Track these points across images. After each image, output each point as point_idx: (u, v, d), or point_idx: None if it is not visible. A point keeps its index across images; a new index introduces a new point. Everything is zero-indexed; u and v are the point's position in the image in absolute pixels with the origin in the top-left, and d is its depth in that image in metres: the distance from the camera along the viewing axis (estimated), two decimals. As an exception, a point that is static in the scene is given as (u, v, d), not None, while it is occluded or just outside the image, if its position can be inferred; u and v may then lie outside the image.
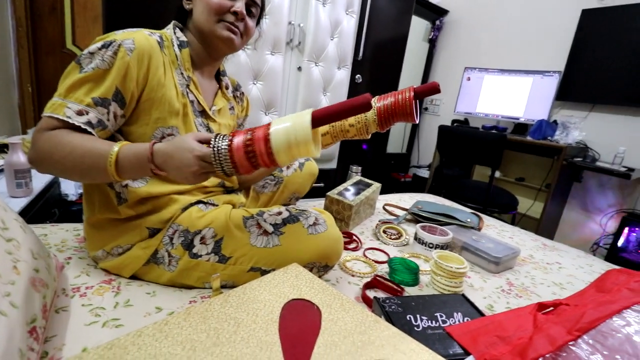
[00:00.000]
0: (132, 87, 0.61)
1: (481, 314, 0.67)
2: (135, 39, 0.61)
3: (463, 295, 0.73)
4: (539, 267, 1.04)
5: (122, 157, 0.55)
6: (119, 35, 0.61)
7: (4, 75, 1.70)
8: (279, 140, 0.53)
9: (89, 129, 0.57)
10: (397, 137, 3.32)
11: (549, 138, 2.28)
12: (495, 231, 1.32)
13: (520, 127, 2.57)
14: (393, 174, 3.25)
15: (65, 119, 0.55)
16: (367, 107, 0.54)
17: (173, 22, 0.74)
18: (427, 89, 0.73)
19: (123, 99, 0.61)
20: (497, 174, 2.67)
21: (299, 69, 1.91)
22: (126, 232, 0.67)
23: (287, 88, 1.93)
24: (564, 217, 2.49)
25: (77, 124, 0.56)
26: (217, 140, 0.54)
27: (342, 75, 2.07)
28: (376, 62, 2.24)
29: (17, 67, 1.77)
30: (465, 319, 0.64)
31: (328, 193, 1.14)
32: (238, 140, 0.54)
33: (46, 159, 0.56)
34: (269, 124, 0.55)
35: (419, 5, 2.80)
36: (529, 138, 2.31)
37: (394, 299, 0.67)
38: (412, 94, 0.75)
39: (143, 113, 0.64)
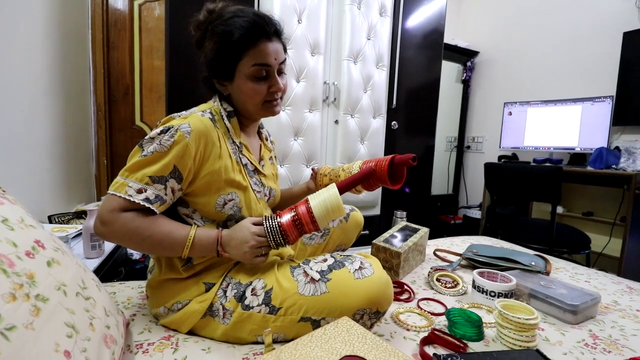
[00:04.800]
0: (190, 164, 0.67)
1: (563, 373, 0.58)
2: (191, 122, 0.68)
3: (538, 350, 0.65)
4: (627, 316, 0.90)
5: (196, 242, 0.67)
6: (175, 121, 0.69)
7: (85, 151, 2.00)
8: (319, 209, 0.70)
9: (148, 205, 0.64)
10: (441, 178, 3.24)
11: (614, 166, 2.08)
12: (568, 275, 1.18)
13: (578, 157, 2.39)
14: (441, 216, 3.11)
15: (127, 197, 0.63)
16: (371, 174, 0.80)
17: (217, 94, 0.81)
18: (404, 160, 0.83)
19: (181, 175, 0.67)
20: (560, 209, 2.44)
21: (336, 122, 2.01)
22: (185, 288, 0.71)
23: (326, 141, 2.02)
24: (651, 254, 2.16)
25: (136, 201, 0.63)
26: (267, 219, 0.70)
27: (378, 124, 2.13)
28: (411, 108, 2.29)
29: (95, 143, 2.07)
30: (545, 379, 0.56)
31: (374, 241, 1.12)
32: (286, 216, 0.70)
33: (124, 240, 0.65)
34: (306, 200, 0.72)
35: (448, 50, 2.88)
36: (589, 168, 2.13)
37: (457, 356, 0.61)
38: (387, 163, 0.83)
39: (205, 186, 0.71)
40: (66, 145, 1.72)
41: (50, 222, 1.43)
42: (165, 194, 0.67)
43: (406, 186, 2.28)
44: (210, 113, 0.74)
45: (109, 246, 1.24)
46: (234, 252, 0.68)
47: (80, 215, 1.54)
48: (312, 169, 1.04)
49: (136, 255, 1.50)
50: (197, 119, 0.70)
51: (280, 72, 0.77)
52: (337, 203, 0.70)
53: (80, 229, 1.28)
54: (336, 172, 0.94)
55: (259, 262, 0.70)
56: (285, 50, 0.78)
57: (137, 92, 2.13)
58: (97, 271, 1.08)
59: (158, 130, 0.67)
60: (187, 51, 1.59)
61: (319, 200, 0.70)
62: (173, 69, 1.60)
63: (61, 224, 1.44)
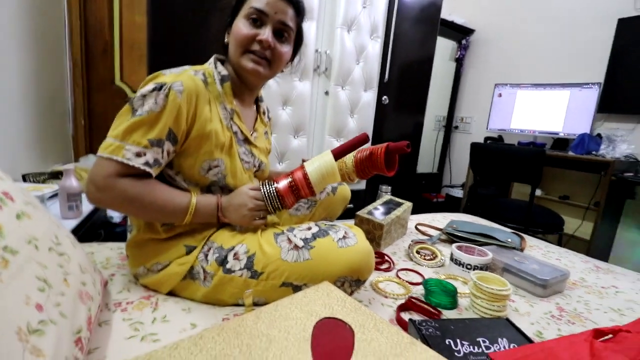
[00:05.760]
0: (183, 126, 0.65)
1: (529, 340, 0.62)
2: (183, 81, 0.65)
3: (507, 319, 0.68)
4: (592, 292, 0.95)
5: (198, 209, 0.68)
6: (167, 77, 0.65)
7: (61, 109, 1.89)
8: (315, 175, 0.71)
9: (147, 169, 0.62)
10: (427, 157, 3.26)
11: (594, 153, 2.14)
12: (540, 252, 1.23)
13: (561, 142, 2.44)
14: (424, 194, 3.17)
15: (125, 161, 0.60)
16: (366, 141, 0.77)
17: (215, 55, 0.78)
18: (399, 147, 0.82)
19: (175, 138, 0.65)
20: (539, 192, 2.52)
21: (327, 93, 1.96)
22: (165, 250, 0.70)
23: (315, 112, 1.98)
24: (618, 237, 2.28)
25: (136, 165, 0.61)
26: (264, 185, 0.72)
27: (369, 97, 2.09)
28: (403, 83, 2.26)
29: (72, 102, 1.96)
30: (512, 345, 0.59)
31: (358, 212, 1.13)
32: (282, 181, 0.72)
33: (123, 206, 0.64)
34: (302, 166, 0.73)
35: (444, 26, 2.82)
36: (571, 153, 2.18)
37: (431, 322, 0.64)
38: (383, 150, 0.83)
39: (192, 148, 0.68)
40: (40, 102, 1.62)
41: (25, 180, 1.37)
42: (162, 157, 0.64)
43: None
44: (203, 74, 0.71)
45: (87, 207, 1.21)
46: (234, 216, 0.70)
47: (57, 175, 1.49)
48: (303, 160, 1.02)
49: (116, 218, 1.47)
50: (189, 77, 0.66)
51: (280, 36, 0.75)
52: (332, 169, 0.72)
53: (57, 190, 1.23)
54: None
55: (257, 224, 0.72)
56: (297, 22, 0.77)
57: (117, 50, 2.00)
58: (75, 232, 1.05)
59: (150, 87, 0.63)
60: (171, 6, 1.49)
61: (314, 166, 0.72)
62: (155, 26, 1.50)
63: (36, 183, 1.38)
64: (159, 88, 0.63)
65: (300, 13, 0.77)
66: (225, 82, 0.74)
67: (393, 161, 0.86)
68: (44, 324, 0.39)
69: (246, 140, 0.79)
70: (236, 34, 0.72)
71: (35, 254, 0.44)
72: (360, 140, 0.77)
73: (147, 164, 0.62)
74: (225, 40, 0.78)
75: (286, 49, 0.76)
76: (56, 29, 1.81)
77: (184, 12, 1.51)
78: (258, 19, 0.71)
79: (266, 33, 0.71)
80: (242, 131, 0.78)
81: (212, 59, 0.77)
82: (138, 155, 0.61)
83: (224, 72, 0.75)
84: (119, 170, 0.61)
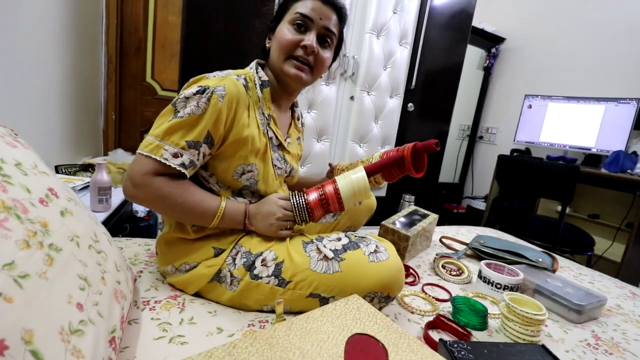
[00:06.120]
0: (221, 129, 0.65)
1: (568, 371, 0.58)
2: (226, 85, 0.65)
3: (544, 346, 0.65)
4: (629, 320, 0.90)
5: (226, 214, 0.68)
6: (210, 81, 0.65)
7: (94, 104, 1.96)
8: (346, 191, 0.70)
9: (183, 170, 0.63)
10: (449, 166, 3.20)
11: (629, 171, 2.04)
12: (572, 274, 1.17)
13: (592, 159, 2.33)
14: (444, 204, 3.10)
15: (163, 160, 0.61)
16: (401, 159, 0.76)
17: (256, 60, 0.78)
18: (427, 146, 0.77)
19: (212, 141, 0.65)
20: (567, 209, 2.42)
21: (352, 98, 1.95)
22: (194, 250, 0.70)
23: (340, 117, 1.97)
24: (652, 262, 2.16)
25: (172, 165, 0.62)
26: (294, 196, 0.72)
27: (394, 104, 2.07)
28: (429, 91, 2.21)
29: (104, 97, 2.03)
30: (550, 375, 0.56)
31: (383, 222, 1.11)
32: (313, 194, 0.72)
33: (156, 203, 0.65)
34: (334, 180, 0.72)
35: (473, 34, 2.75)
36: (603, 170, 2.08)
37: (463, 343, 0.61)
38: (410, 150, 0.78)
39: (228, 152, 0.69)
40: (75, 96, 1.68)
41: (57, 172, 1.42)
42: (197, 159, 0.65)
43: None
44: (245, 79, 0.71)
45: (115, 201, 1.24)
46: (261, 224, 0.70)
47: (87, 168, 1.53)
48: (330, 165, 1.01)
49: (141, 212, 1.50)
50: (232, 82, 0.66)
51: (323, 42, 0.74)
52: (364, 186, 0.71)
53: (88, 182, 1.27)
54: (355, 165, 0.91)
55: (283, 235, 0.71)
56: (340, 28, 0.77)
57: (150, 48, 2.05)
58: (104, 225, 1.08)
59: (193, 90, 0.63)
60: (206, 8, 1.51)
61: (346, 182, 0.71)
62: (190, 26, 1.53)
63: (68, 174, 1.43)
64: (202, 91, 0.63)
65: (342, 19, 0.76)
66: (265, 88, 0.74)
67: (421, 162, 0.82)
68: (84, 324, 0.39)
69: (280, 146, 0.79)
70: (280, 39, 0.72)
71: (77, 251, 0.44)
72: (396, 160, 0.75)
73: (182, 164, 0.63)
74: (267, 45, 0.77)
75: (328, 55, 0.76)
76: (93, 27, 1.88)
77: (220, 15, 1.53)
78: (303, 24, 0.71)
79: (311, 38, 0.71)
80: (277, 137, 0.77)
81: (253, 64, 0.77)
82: (175, 155, 0.62)
83: (265, 77, 0.75)
84: (156, 169, 0.62)
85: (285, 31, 0.71)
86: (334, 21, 0.74)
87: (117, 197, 1.28)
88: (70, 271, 0.41)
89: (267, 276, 0.66)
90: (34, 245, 0.37)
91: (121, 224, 1.31)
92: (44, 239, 0.39)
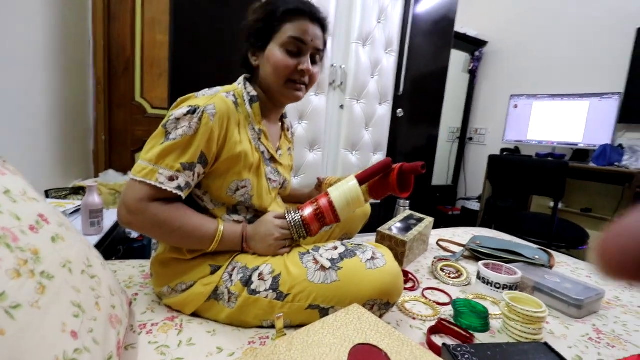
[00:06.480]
0: (214, 148, 0.66)
1: (572, 368, 0.58)
2: (216, 104, 0.65)
3: (546, 344, 0.64)
4: (629, 312, 0.90)
5: (224, 237, 0.68)
6: (200, 100, 0.65)
7: (83, 125, 1.95)
8: (340, 202, 0.71)
9: (179, 193, 0.63)
10: (441, 169, 3.22)
11: (616, 164, 2.08)
12: (569, 269, 1.18)
13: (581, 153, 2.38)
14: (439, 207, 3.11)
15: (158, 185, 0.61)
16: (389, 166, 0.76)
17: (244, 76, 0.78)
18: (413, 168, 0.78)
19: (206, 160, 0.65)
20: (560, 205, 2.45)
21: (342, 107, 1.97)
22: (190, 270, 0.69)
23: (331, 126, 1.98)
24: (646, 252, 2.18)
25: (169, 189, 0.61)
26: (289, 213, 0.72)
27: (384, 111, 2.09)
28: (417, 96, 2.25)
29: (94, 119, 2.02)
30: (554, 373, 0.56)
31: (379, 229, 1.11)
32: (307, 209, 0.72)
33: (152, 230, 0.64)
34: (327, 193, 0.73)
35: (457, 39, 2.82)
36: (592, 165, 2.12)
37: (466, 346, 0.61)
38: (396, 171, 0.79)
39: (222, 169, 0.69)
40: (64, 119, 1.67)
41: (47, 197, 1.40)
42: (193, 180, 0.65)
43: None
44: (234, 96, 0.71)
45: (107, 223, 1.22)
46: (259, 245, 0.70)
47: (78, 191, 1.51)
48: (318, 179, 1.02)
49: (134, 233, 1.48)
50: (222, 100, 0.67)
51: (314, 60, 0.76)
52: (357, 194, 0.71)
53: (78, 205, 1.25)
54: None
55: (282, 253, 0.71)
56: (325, 44, 0.78)
57: (138, 67, 2.06)
58: (96, 248, 1.06)
59: (183, 110, 0.63)
60: (193, 27, 1.52)
61: (339, 193, 0.72)
62: (177, 45, 1.54)
63: (58, 199, 1.41)
64: (192, 111, 0.63)
65: (326, 31, 0.78)
66: (255, 103, 0.75)
67: (408, 183, 0.83)
68: (79, 353, 0.38)
69: (272, 159, 0.80)
70: (277, 64, 0.72)
71: (69, 277, 0.43)
72: (384, 165, 0.76)
73: (179, 187, 0.63)
74: (254, 63, 0.77)
75: (318, 70, 0.78)
76: (81, 50, 1.88)
77: (207, 32, 1.55)
78: (297, 48, 0.72)
79: (307, 62, 0.73)
80: (268, 150, 0.78)
81: (241, 79, 0.77)
82: (171, 179, 0.62)
83: (253, 92, 0.75)
84: (151, 194, 0.61)
85: (280, 56, 0.72)
86: (322, 38, 0.76)
87: (109, 219, 1.26)
88: (63, 298, 0.40)
89: (265, 290, 0.66)
90: (25, 274, 0.37)
91: (114, 246, 1.29)
92: (35, 266, 0.39)
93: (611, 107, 2.20)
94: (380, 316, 0.68)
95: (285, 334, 0.51)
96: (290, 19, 0.71)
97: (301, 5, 0.72)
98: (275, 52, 0.72)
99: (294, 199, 1.04)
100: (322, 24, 0.75)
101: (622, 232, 0.15)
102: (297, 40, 0.71)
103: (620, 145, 2.15)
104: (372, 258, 0.66)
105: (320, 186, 1.01)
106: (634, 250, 0.14)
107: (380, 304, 0.66)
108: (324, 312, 0.65)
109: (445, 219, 3.00)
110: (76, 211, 1.25)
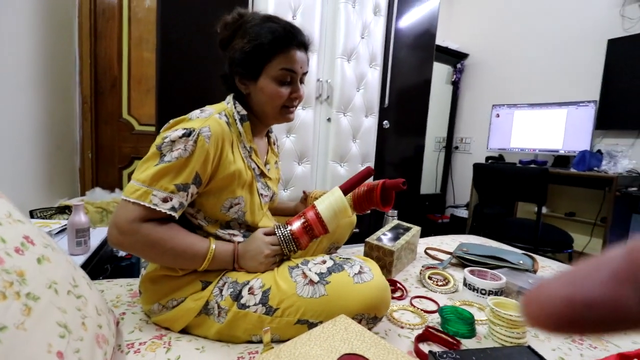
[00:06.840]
0: (209, 169, 0.67)
1: (554, 369, 0.60)
2: (211, 126, 0.66)
3: (529, 347, 0.66)
4: (611, 314, 0.93)
5: (216, 256, 0.69)
6: (195, 122, 0.66)
7: (69, 144, 1.93)
8: (327, 213, 0.73)
9: (172, 214, 0.63)
10: (429, 177, 3.28)
11: (596, 169, 2.15)
12: (553, 273, 1.21)
13: (562, 160, 2.46)
14: (429, 215, 3.15)
15: (152, 206, 0.61)
16: (371, 174, 0.81)
17: (232, 95, 0.80)
18: (394, 184, 0.84)
19: (200, 180, 0.66)
20: (544, 210, 2.51)
21: (329, 120, 2.00)
22: (182, 286, 0.70)
23: (318, 138, 2.01)
24: (629, 254, 2.24)
25: (163, 210, 0.62)
26: (279, 229, 0.73)
27: (370, 123, 2.13)
28: (402, 108, 2.31)
29: (80, 137, 2.01)
30: (537, 375, 0.58)
31: (367, 239, 1.12)
32: (296, 223, 0.74)
33: (144, 250, 0.64)
34: (313, 205, 0.74)
35: (439, 52, 2.91)
36: (573, 170, 2.19)
37: (452, 353, 0.62)
38: (379, 187, 0.85)
39: (216, 188, 0.70)
40: (50, 137, 1.66)
41: (32, 217, 1.38)
42: (186, 200, 0.66)
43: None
44: (225, 116, 0.73)
45: (94, 242, 1.21)
46: (250, 263, 0.71)
47: (64, 210, 1.49)
48: (304, 192, 1.04)
49: (122, 252, 1.46)
50: (216, 122, 0.68)
51: (301, 82, 0.79)
52: (343, 204, 0.73)
53: (64, 225, 1.23)
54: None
55: (272, 268, 0.72)
56: (308, 62, 0.81)
57: (125, 85, 2.07)
58: (83, 268, 1.05)
59: (179, 133, 0.64)
60: (180, 45, 1.55)
61: (325, 204, 0.73)
62: (164, 63, 1.56)
63: (43, 219, 1.39)
64: (187, 134, 0.64)
65: (309, 50, 0.80)
66: (245, 122, 0.77)
67: (389, 197, 0.89)
68: (65, 373, 0.38)
69: (262, 174, 0.81)
70: (272, 96, 0.75)
71: (55, 298, 0.44)
72: (365, 174, 0.80)
73: (172, 208, 0.63)
74: (244, 91, 0.78)
75: (304, 88, 0.81)
76: (67, 66, 1.88)
77: (194, 49, 1.57)
78: (289, 77, 0.75)
79: (300, 90, 0.77)
80: (258, 166, 0.80)
81: (230, 99, 0.79)
82: (165, 200, 0.62)
83: (243, 112, 0.77)
84: (144, 215, 0.62)
85: (275, 88, 0.74)
86: (307, 59, 0.79)
87: (96, 237, 1.25)
88: (49, 319, 0.40)
89: (255, 304, 0.66)
90: (11, 296, 0.37)
91: (102, 265, 1.28)
92: (21, 288, 0.39)
93: (588, 115, 2.29)
94: (369, 329, 0.69)
95: (273, 347, 0.52)
96: (281, 48, 0.72)
97: (288, 32, 0.73)
98: (269, 86, 0.74)
99: (280, 212, 1.05)
100: (306, 47, 0.78)
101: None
102: (289, 71, 0.74)
103: (599, 151, 2.23)
104: (360, 272, 0.67)
105: (306, 199, 1.03)
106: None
107: (368, 318, 0.67)
108: (312, 327, 0.65)
109: (435, 227, 3.03)
110: (62, 231, 1.24)
